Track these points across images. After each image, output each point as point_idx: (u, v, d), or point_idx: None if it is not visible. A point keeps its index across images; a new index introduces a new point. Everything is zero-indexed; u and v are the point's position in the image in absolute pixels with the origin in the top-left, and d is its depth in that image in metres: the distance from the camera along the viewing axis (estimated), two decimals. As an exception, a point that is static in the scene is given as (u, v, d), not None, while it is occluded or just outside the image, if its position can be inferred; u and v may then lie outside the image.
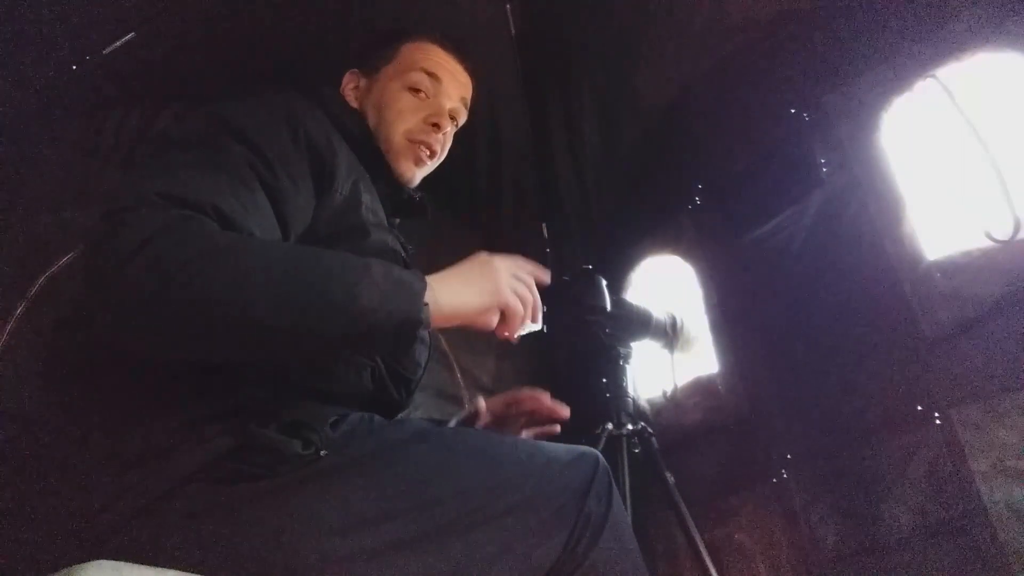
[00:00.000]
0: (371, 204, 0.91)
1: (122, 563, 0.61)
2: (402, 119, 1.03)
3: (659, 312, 1.80)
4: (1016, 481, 1.14)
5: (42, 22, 1.14)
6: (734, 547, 1.59)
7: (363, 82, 1.09)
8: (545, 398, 0.89)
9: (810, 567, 1.41)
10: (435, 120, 1.04)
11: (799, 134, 1.60)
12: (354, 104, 1.07)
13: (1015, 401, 1.16)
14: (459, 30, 1.54)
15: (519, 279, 0.82)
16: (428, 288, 0.74)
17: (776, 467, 1.53)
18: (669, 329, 1.82)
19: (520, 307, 0.81)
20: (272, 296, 0.65)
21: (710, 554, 1.42)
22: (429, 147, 1.05)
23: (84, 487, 0.66)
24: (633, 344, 1.75)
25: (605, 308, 1.64)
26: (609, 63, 1.72)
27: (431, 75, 1.06)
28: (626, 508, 1.35)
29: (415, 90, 1.05)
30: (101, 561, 0.59)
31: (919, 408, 1.29)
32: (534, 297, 0.82)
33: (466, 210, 2.04)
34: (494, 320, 0.80)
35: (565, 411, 0.90)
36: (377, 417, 0.94)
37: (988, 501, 1.15)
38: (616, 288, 1.88)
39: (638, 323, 1.73)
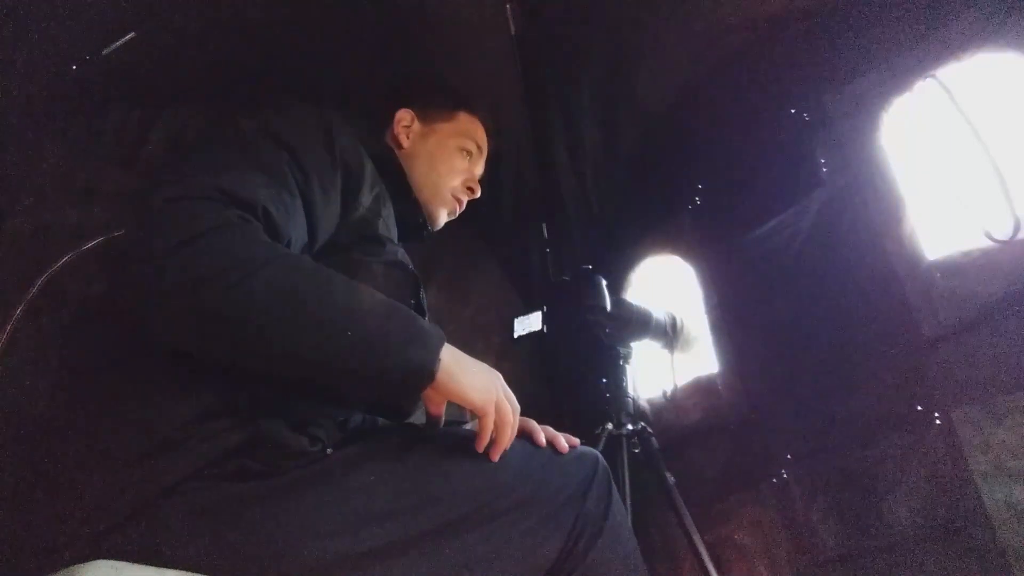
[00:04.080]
0: (387, 219, 0.98)
1: (122, 563, 0.61)
2: (452, 176, 1.20)
3: (659, 312, 1.80)
4: (1016, 481, 1.14)
5: (42, 22, 1.14)
6: (734, 547, 1.59)
7: (417, 125, 1.21)
8: (541, 437, 0.90)
9: (810, 567, 1.41)
10: (472, 186, 1.24)
11: (799, 134, 1.60)
12: (404, 139, 1.20)
13: (1015, 401, 1.16)
14: (459, 30, 1.54)
15: (510, 399, 0.83)
16: (443, 347, 0.76)
17: (776, 467, 1.52)
18: (669, 329, 1.82)
19: (508, 416, 0.81)
20: (302, 314, 0.68)
21: (710, 554, 1.42)
22: (462, 204, 1.24)
23: (89, 481, 0.67)
24: (633, 344, 1.75)
25: (605, 308, 1.64)
26: (609, 63, 1.72)
27: (478, 148, 1.25)
28: (626, 508, 1.35)
29: (465, 153, 1.23)
30: (101, 561, 0.60)
31: (919, 408, 1.29)
32: (515, 420, 0.83)
33: (466, 210, 2.04)
34: (484, 419, 0.80)
35: (564, 446, 0.90)
36: (380, 418, 0.95)
37: (988, 501, 1.15)
38: (616, 288, 1.88)
39: (638, 323, 1.73)
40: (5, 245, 1.21)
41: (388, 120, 1.21)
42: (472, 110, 1.26)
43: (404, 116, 1.21)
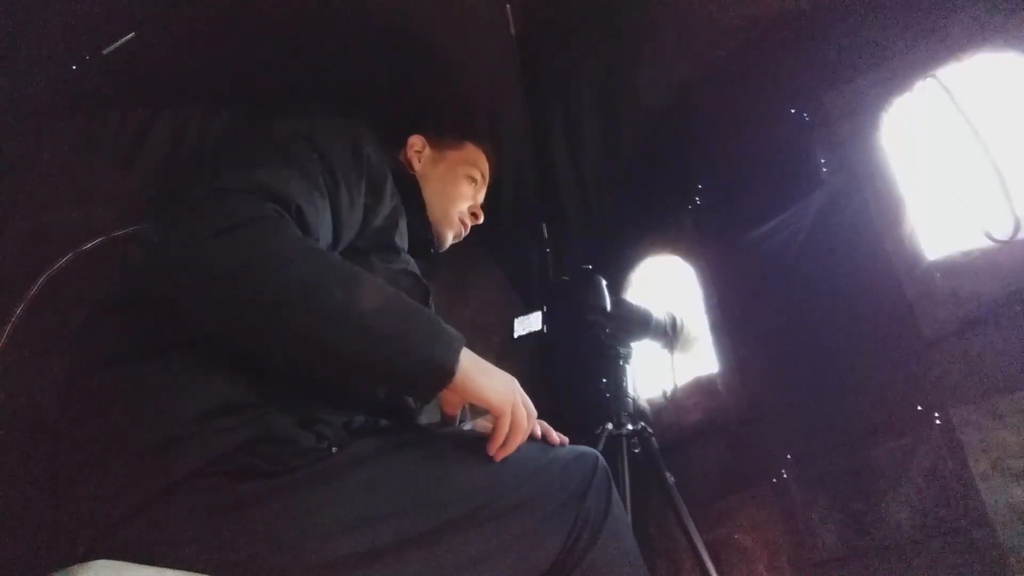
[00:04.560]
0: (402, 230, 1.04)
1: (122, 563, 0.61)
2: (460, 201, 1.29)
3: (659, 312, 1.80)
4: (1016, 481, 1.14)
5: (42, 22, 1.14)
6: (734, 547, 1.59)
7: (428, 151, 1.30)
8: (537, 429, 0.92)
9: (810, 567, 1.41)
10: (476, 212, 1.33)
11: (799, 134, 1.60)
12: (416, 162, 1.28)
13: (1015, 401, 1.17)
14: (459, 30, 1.54)
15: (527, 404, 0.85)
16: (463, 350, 0.79)
17: (776, 467, 1.52)
18: (669, 329, 1.82)
19: (522, 420, 0.83)
20: (332, 307, 0.71)
21: (710, 554, 1.42)
22: (466, 228, 1.32)
23: (93, 478, 0.67)
24: (633, 344, 1.75)
25: (605, 308, 1.64)
26: (609, 63, 1.72)
27: (482, 176, 1.34)
28: (626, 508, 1.36)
29: (471, 181, 1.31)
30: (101, 561, 0.60)
31: (919, 408, 1.29)
32: (531, 426, 0.86)
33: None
34: (500, 420, 0.82)
35: (555, 440, 0.93)
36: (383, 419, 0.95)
37: (988, 501, 1.15)
38: (616, 288, 1.88)
39: (638, 323, 1.73)
40: (5, 245, 1.21)
41: (400, 143, 1.29)
42: (478, 141, 1.36)
43: (416, 142, 1.29)
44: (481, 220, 1.35)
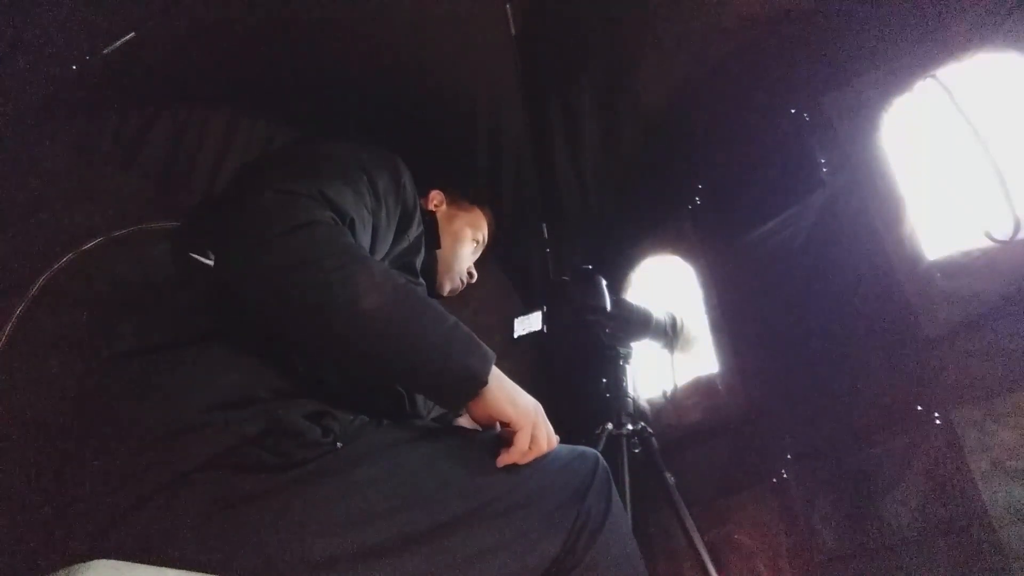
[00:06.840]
0: (419, 258, 1.12)
1: (122, 563, 0.61)
2: (465, 260, 1.38)
3: (659, 312, 1.80)
4: (1016, 481, 1.14)
5: (42, 22, 1.14)
6: (734, 547, 1.59)
7: (444, 208, 1.37)
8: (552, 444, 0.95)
9: (810, 567, 1.41)
10: (472, 272, 1.42)
11: (799, 134, 1.60)
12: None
13: (1015, 401, 1.16)
14: (459, 30, 1.54)
15: (549, 431, 0.89)
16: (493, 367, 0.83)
17: (776, 467, 1.52)
18: (669, 329, 1.82)
19: (541, 440, 0.86)
20: (383, 311, 0.76)
21: (710, 554, 1.42)
22: (463, 286, 1.40)
23: (102, 465, 0.68)
24: (633, 344, 1.75)
25: (605, 308, 1.63)
26: (609, 63, 1.72)
27: (483, 241, 1.44)
28: (626, 508, 1.36)
29: (475, 243, 1.41)
30: (101, 561, 0.60)
31: (919, 408, 1.29)
32: (550, 448, 0.89)
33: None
34: (520, 434, 0.85)
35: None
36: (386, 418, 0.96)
37: (988, 501, 1.15)
38: (616, 288, 1.88)
39: (638, 323, 1.73)
40: (5, 245, 1.21)
41: (422, 193, 1.30)
42: (486, 210, 1.45)
43: (436, 196, 1.37)
44: (474, 280, 1.44)
